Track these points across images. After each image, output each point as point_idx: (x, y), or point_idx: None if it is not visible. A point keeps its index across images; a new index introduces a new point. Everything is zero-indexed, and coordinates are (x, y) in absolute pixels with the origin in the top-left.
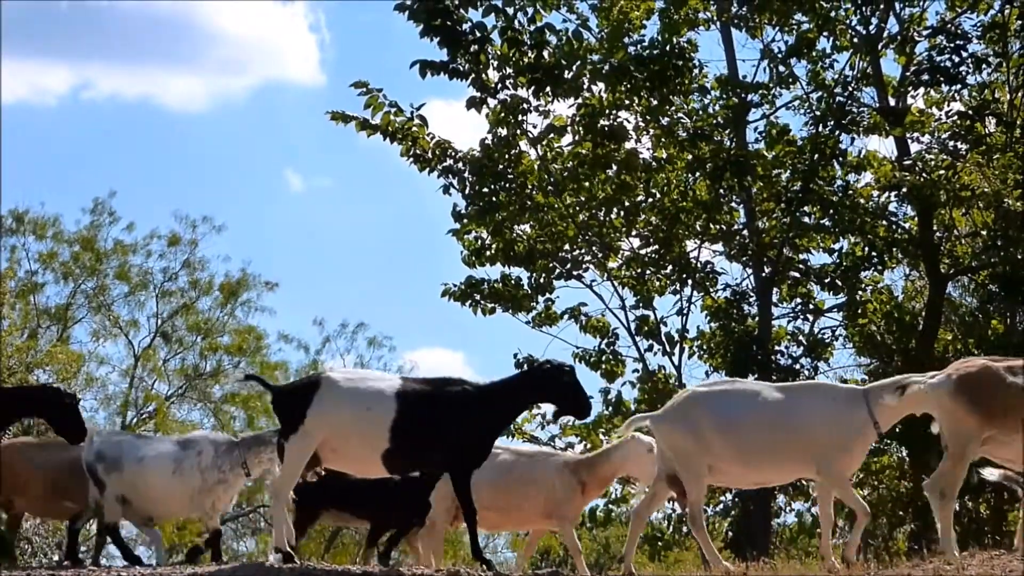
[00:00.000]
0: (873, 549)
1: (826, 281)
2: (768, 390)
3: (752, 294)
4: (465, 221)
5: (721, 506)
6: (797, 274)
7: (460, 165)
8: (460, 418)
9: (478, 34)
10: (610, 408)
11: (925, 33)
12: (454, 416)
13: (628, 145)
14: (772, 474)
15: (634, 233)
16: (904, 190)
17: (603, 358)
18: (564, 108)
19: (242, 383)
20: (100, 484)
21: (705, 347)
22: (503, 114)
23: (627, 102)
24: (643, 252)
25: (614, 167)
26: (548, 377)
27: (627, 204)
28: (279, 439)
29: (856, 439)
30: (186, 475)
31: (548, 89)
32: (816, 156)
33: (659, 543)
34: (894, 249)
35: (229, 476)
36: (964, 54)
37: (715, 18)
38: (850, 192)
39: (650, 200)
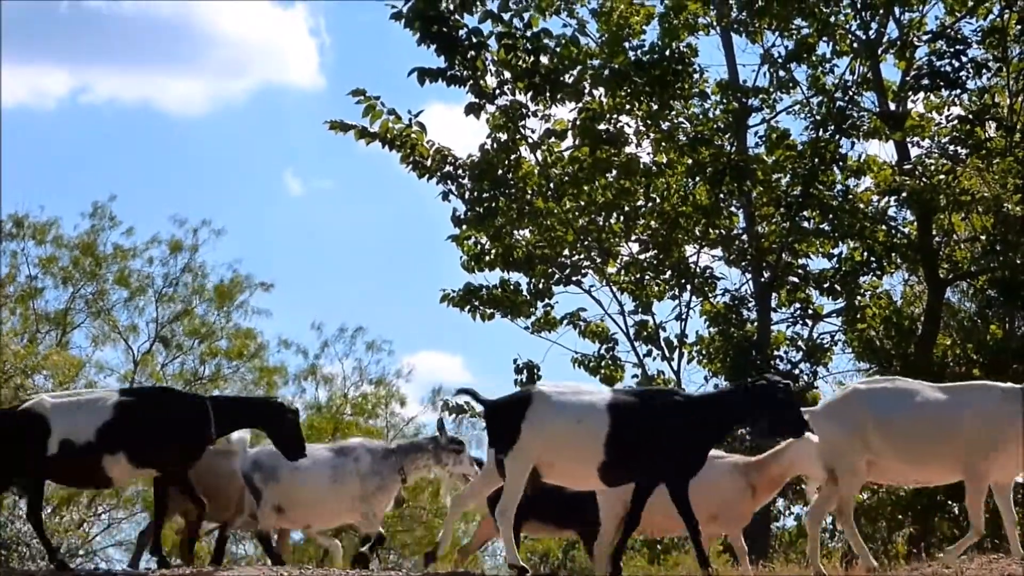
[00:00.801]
0: (872, 552)
1: (825, 286)
2: (929, 389)
3: (751, 299)
4: (464, 226)
5: None
6: (796, 279)
7: (459, 171)
8: (673, 428)
9: (474, 40)
10: None
11: (925, 38)
12: (667, 427)
13: (628, 149)
14: (932, 473)
15: (633, 238)
16: (904, 195)
17: (602, 363)
18: (564, 112)
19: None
20: (257, 493)
21: (704, 352)
22: (502, 119)
23: (627, 107)
24: (642, 257)
25: (614, 172)
26: (763, 393)
27: (626, 209)
28: (497, 455)
29: (1011, 441)
30: (345, 482)
31: (547, 94)
32: (816, 161)
33: (658, 546)
34: (893, 254)
35: (387, 482)
36: (964, 59)
37: (715, 23)
38: (850, 197)
39: (649, 205)
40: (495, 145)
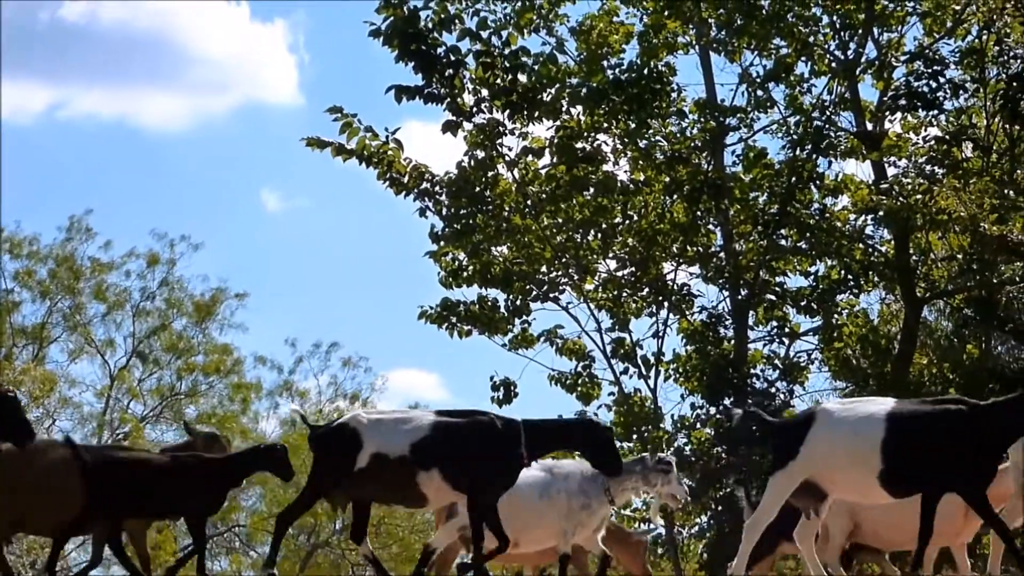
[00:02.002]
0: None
1: (802, 304)
2: None
3: (728, 317)
4: (442, 243)
5: (696, 528)
6: (773, 297)
7: (436, 188)
8: (955, 438)
9: (452, 58)
10: None
11: (903, 58)
12: (950, 436)
13: (605, 167)
14: None
15: (611, 255)
16: (881, 214)
17: (579, 381)
18: (542, 130)
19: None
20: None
21: (681, 370)
22: (480, 137)
23: (605, 125)
24: (620, 274)
25: (591, 189)
26: None
27: (604, 226)
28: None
29: None
30: (553, 501)
31: (525, 112)
32: (793, 179)
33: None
34: (870, 272)
35: (593, 503)
36: (941, 79)
37: (694, 42)
38: (827, 215)
39: (627, 222)
40: (472, 162)
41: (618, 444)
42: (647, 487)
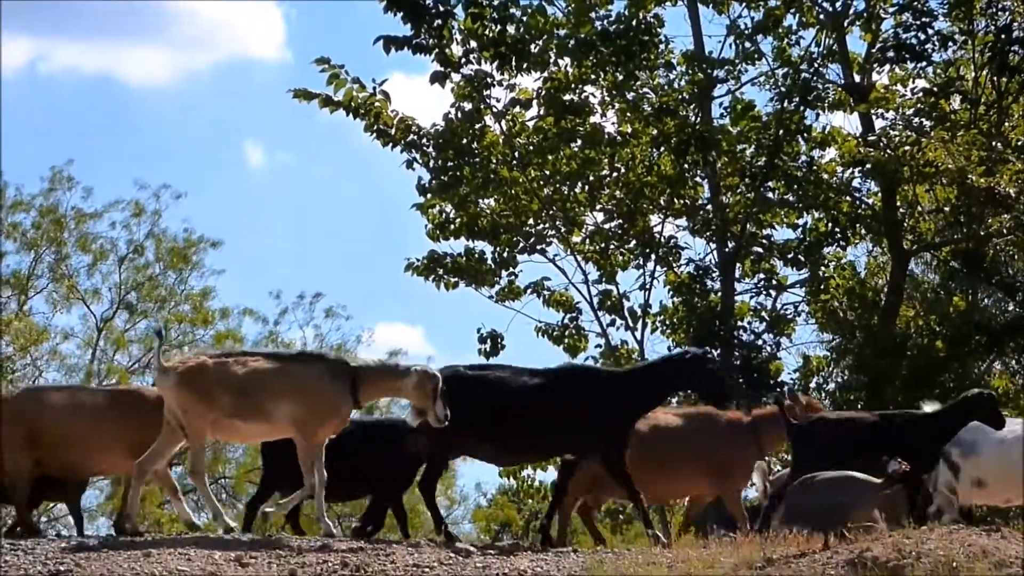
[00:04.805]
0: None
1: (789, 257)
2: None
3: (715, 269)
4: (429, 195)
5: None
6: (760, 250)
7: (424, 140)
8: None
9: (441, 8)
10: None
11: (891, 10)
12: None
13: (593, 119)
14: None
15: (598, 207)
16: (868, 166)
17: (566, 333)
18: (529, 82)
19: None
20: (955, 468)
21: (668, 322)
22: (467, 89)
23: (592, 77)
24: (607, 226)
25: (578, 141)
26: None
27: (591, 178)
28: None
29: None
30: None
31: (513, 63)
32: (781, 132)
33: (620, 516)
34: (857, 225)
35: None
36: (930, 31)
37: None
38: (814, 168)
39: (614, 175)
40: (459, 114)
41: None
42: None
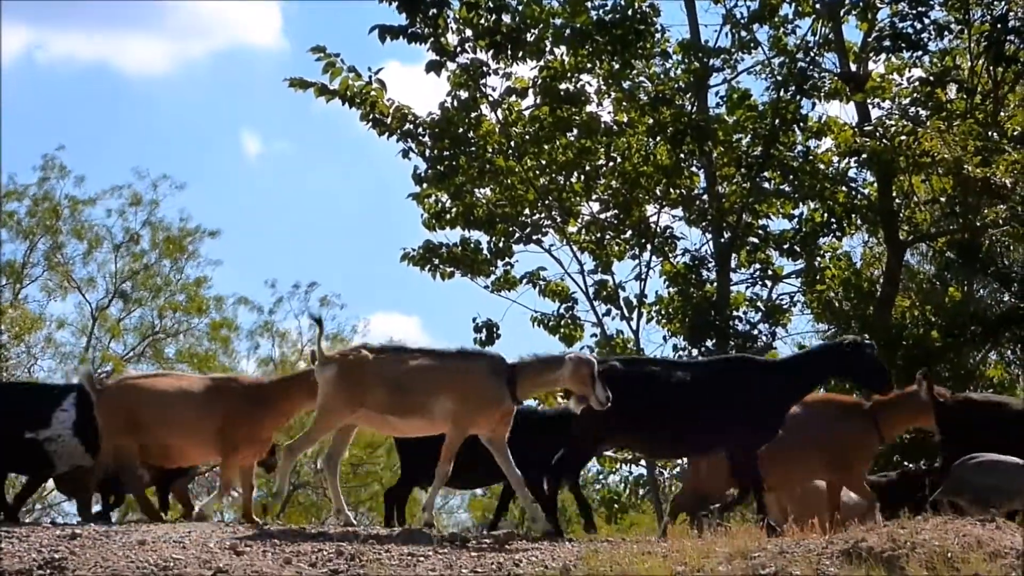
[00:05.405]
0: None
1: (785, 247)
2: None
3: (711, 259)
4: (425, 184)
5: (678, 469)
6: (756, 240)
7: (420, 129)
8: None
9: None
10: None
11: None
12: None
13: (589, 109)
14: None
15: (594, 197)
16: (864, 156)
17: (561, 323)
18: (525, 71)
19: None
20: None
21: (663, 312)
22: (463, 78)
23: (588, 66)
24: (603, 216)
25: (574, 131)
26: None
27: (587, 168)
28: None
29: None
30: None
31: (509, 52)
32: (777, 121)
33: (615, 506)
34: (853, 215)
35: None
36: (926, 21)
37: None
38: (810, 158)
39: (610, 164)
40: (455, 103)
41: None
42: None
